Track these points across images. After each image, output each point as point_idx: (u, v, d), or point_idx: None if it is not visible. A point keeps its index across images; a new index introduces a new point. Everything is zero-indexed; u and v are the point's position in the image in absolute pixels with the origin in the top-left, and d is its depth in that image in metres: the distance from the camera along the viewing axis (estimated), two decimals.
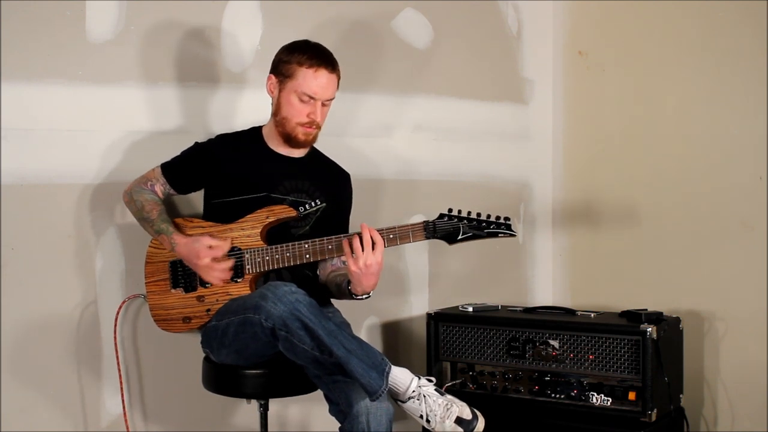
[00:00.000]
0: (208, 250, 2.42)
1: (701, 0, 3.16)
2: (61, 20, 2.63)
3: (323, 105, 2.50)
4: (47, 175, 2.62)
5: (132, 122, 2.75)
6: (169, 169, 2.61)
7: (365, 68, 3.19)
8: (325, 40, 2.94)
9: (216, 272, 2.43)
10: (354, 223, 2.71)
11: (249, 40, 2.94)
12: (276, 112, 2.54)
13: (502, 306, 3.11)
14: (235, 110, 2.91)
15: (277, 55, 2.53)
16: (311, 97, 2.47)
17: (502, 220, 2.42)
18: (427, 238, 2.42)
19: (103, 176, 2.70)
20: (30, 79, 2.59)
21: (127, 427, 2.67)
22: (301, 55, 2.47)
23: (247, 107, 2.91)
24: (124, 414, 2.67)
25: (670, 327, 2.78)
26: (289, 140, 2.54)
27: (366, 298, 2.46)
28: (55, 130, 2.64)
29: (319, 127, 2.54)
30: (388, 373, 2.20)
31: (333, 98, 2.53)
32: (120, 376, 2.67)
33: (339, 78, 2.52)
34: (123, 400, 2.67)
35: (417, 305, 3.34)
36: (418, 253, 3.33)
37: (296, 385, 2.44)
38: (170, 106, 2.81)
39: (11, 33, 2.55)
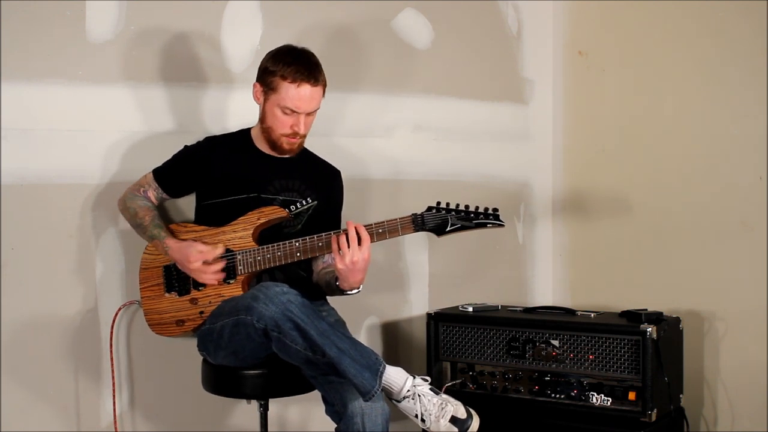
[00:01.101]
0: (198, 254, 2.43)
1: (701, 0, 3.16)
2: (61, 20, 2.63)
3: (308, 115, 2.50)
4: (47, 175, 2.62)
5: (132, 122, 2.75)
6: (160, 173, 2.62)
7: (365, 68, 3.19)
8: (324, 40, 2.96)
9: (207, 275, 2.45)
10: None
11: (249, 40, 2.94)
12: (262, 119, 2.55)
13: (502, 306, 3.11)
14: (235, 110, 2.91)
15: (262, 63, 2.52)
16: (294, 111, 2.47)
17: (490, 211, 2.43)
18: (416, 230, 2.43)
19: (104, 176, 2.70)
20: (30, 79, 2.59)
21: (116, 428, 2.67)
22: (285, 67, 2.44)
23: (248, 107, 2.90)
24: (114, 417, 2.67)
25: (670, 327, 2.78)
26: (275, 148, 2.56)
27: (356, 293, 2.48)
28: (55, 130, 2.64)
29: (303, 137, 2.54)
30: (381, 373, 2.19)
31: (318, 108, 2.52)
32: (113, 380, 2.66)
33: (325, 86, 2.50)
34: (114, 403, 2.66)
35: (417, 305, 3.34)
36: (418, 252, 3.33)
37: (296, 385, 2.44)
38: (170, 106, 2.81)
39: (11, 33, 2.55)
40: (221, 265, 2.46)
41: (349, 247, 2.35)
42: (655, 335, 2.66)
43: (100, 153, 2.70)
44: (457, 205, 2.44)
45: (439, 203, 2.44)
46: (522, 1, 3.57)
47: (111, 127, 2.72)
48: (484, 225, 2.43)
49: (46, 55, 2.61)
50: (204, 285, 2.48)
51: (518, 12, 3.57)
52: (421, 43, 3.32)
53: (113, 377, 2.66)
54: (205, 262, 2.43)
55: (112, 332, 2.66)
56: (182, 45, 2.82)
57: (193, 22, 2.84)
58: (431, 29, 3.34)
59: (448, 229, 2.42)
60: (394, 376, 2.24)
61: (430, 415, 2.21)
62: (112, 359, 2.66)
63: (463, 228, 2.43)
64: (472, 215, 2.43)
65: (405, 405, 2.24)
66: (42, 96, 2.61)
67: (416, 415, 2.23)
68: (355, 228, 2.36)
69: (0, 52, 2.54)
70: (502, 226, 2.45)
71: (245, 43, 2.93)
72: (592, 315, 2.90)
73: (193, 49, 2.84)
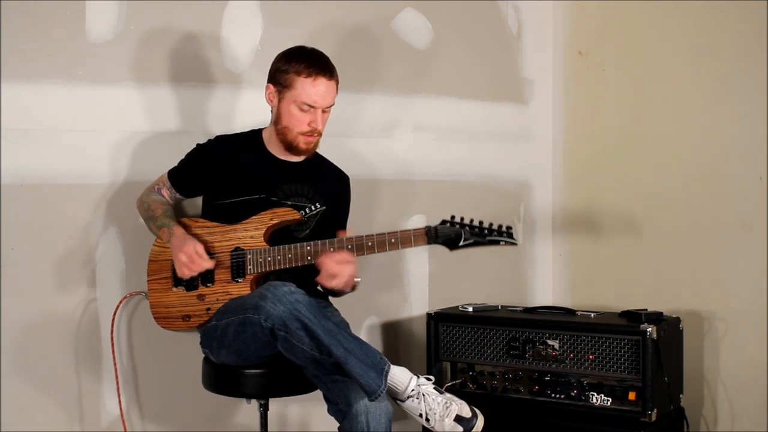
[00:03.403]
0: (194, 253, 2.41)
1: (701, 0, 3.17)
2: (61, 20, 2.63)
3: (323, 112, 2.50)
4: (47, 175, 2.62)
5: (132, 122, 2.75)
6: (174, 173, 2.62)
7: (365, 68, 3.19)
8: (324, 40, 2.96)
9: (184, 270, 2.42)
10: (353, 223, 2.71)
11: (249, 40, 2.94)
12: (277, 120, 2.53)
13: (502, 306, 3.11)
14: (234, 110, 2.91)
15: (273, 64, 2.52)
16: (311, 106, 2.46)
17: (504, 228, 2.42)
18: (429, 243, 2.42)
19: (104, 176, 2.70)
20: (30, 79, 2.59)
21: (125, 427, 2.67)
22: (298, 64, 2.45)
23: (247, 107, 2.91)
24: (121, 414, 2.67)
25: (670, 327, 2.78)
26: (291, 149, 2.54)
27: (348, 292, 2.54)
28: (55, 130, 2.64)
29: (320, 135, 2.54)
30: (387, 372, 2.20)
31: (333, 104, 2.52)
32: (116, 375, 2.66)
33: (338, 83, 2.51)
34: (120, 400, 2.67)
35: (417, 305, 3.34)
36: (418, 253, 3.32)
37: (296, 385, 2.43)
38: (170, 106, 2.81)
39: (11, 33, 2.55)
40: (201, 270, 2.43)
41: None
42: (655, 335, 2.66)
43: (100, 153, 2.70)
44: (471, 220, 2.43)
45: (453, 217, 2.43)
46: (522, 1, 3.57)
47: (111, 127, 2.71)
48: (497, 242, 2.42)
49: (46, 55, 2.61)
50: (212, 282, 2.48)
51: (518, 12, 3.57)
52: (420, 44, 3.32)
53: (116, 371, 2.66)
54: (191, 262, 2.41)
55: (113, 325, 2.65)
56: (182, 45, 2.82)
57: (194, 22, 2.84)
58: (431, 29, 3.34)
59: (461, 243, 2.41)
60: (399, 376, 2.25)
61: (434, 414, 2.22)
62: (113, 352, 2.65)
63: (476, 244, 2.41)
64: (486, 231, 2.42)
65: (409, 404, 2.25)
66: (42, 96, 2.61)
67: (420, 415, 2.23)
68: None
69: (0, 52, 2.54)
70: (515, 244, 2.44)
71: (245, 43, 2.93)
72: (592, 315, 2.90)
73: (193, 49, 2.84)
